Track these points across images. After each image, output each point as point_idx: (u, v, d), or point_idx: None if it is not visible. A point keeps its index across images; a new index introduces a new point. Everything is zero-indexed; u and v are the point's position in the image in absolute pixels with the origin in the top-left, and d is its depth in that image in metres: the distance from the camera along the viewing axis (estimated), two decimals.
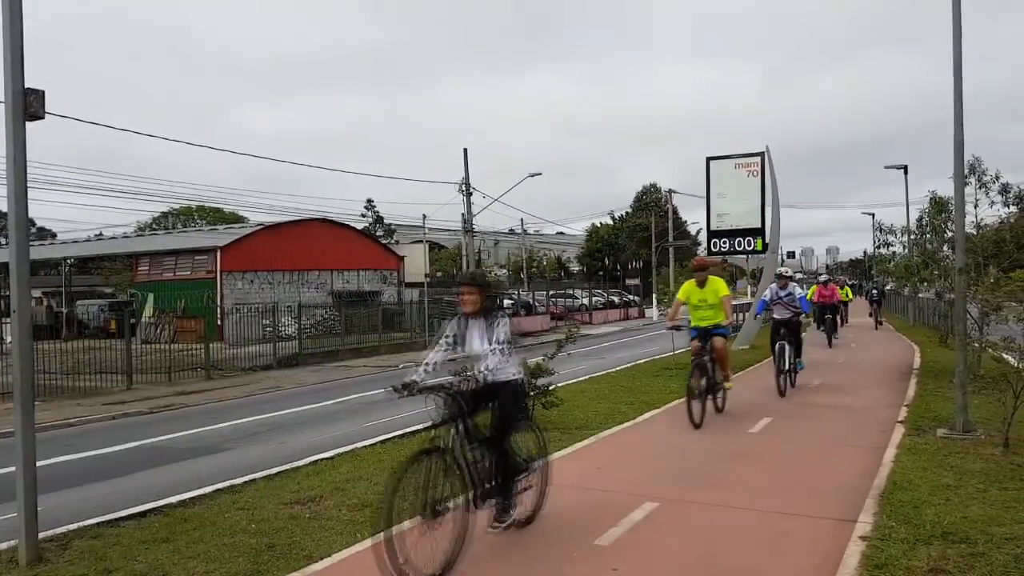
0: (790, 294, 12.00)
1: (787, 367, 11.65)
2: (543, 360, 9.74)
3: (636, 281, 58.15)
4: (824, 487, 6.44)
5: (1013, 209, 13.92)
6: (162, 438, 11.41)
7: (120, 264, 37.07)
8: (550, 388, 9.72)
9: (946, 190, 14.42)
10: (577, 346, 9.46)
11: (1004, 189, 13.26)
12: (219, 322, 27.02)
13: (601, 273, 66.51)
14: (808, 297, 25.00)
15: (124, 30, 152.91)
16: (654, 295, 46.04)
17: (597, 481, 6.83)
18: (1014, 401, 7.45)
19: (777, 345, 11.64)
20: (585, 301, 47.21)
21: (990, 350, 10.95)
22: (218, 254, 31.77)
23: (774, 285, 12.31)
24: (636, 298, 53.67)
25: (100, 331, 29.85)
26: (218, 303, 29.21)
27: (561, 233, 76.66)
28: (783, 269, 12.92)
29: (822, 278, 23.37)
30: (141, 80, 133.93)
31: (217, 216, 56.26)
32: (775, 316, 12.08)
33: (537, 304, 42.44)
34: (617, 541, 5.15)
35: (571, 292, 49.32)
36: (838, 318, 23.64)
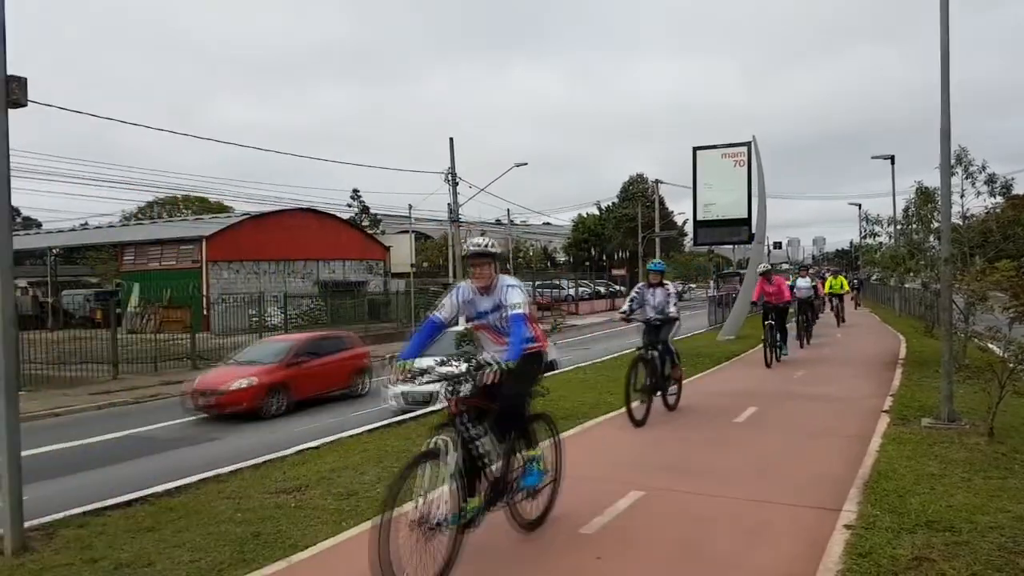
0: (497, 307, 4.85)
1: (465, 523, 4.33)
2: None
3: (622, 271, 58.38)
4: (809, 476, 6.47)
5: (999, 199, 13.99)
6: (148, 428, 11.34)
7: (105, 254, 36.78)
8: None
9: (932, 180, 14.47)
10: (563, 336, 9.47)
11: (990, 179, 13.29)
12: (205, 312, 26.86)
13: (587, 264, 66.64)
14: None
15: (109, 20, 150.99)
16: None
17: (583, 470, 6.83)
18: (999, 391, 7.51)
19: (429, 444, 4.35)
20: (571, 292, 47.27)
21: (975, 340, 11.05)
22: (203, 244, 31.57)
23: (464, 285, 5.02)
24: (622, 288, 53.73)
25: (86, 321, 29.66)
26: (204, 293, 29.03)
27: (548, 224, 76.60)
28: (476, 241, 4.92)
29: (761, 268, 15.68)
30: (125, 71, 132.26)
31: (202, 206, 55.83)
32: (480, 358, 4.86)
33: None
34: (602, 530, 5.16)
35: (557, 282, 49.37)
36: (803, 319, 18.34)
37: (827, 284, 25.72)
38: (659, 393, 9.29)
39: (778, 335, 14.48)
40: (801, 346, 17.13)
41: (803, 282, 18.94)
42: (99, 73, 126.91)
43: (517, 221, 64.20)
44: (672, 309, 9.36)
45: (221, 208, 52.28)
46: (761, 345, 15.39)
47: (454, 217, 31.30)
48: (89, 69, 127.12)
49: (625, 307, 9.78)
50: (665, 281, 9.66)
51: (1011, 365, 7.59)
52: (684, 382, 12.72)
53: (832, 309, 25.20)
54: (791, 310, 17.17)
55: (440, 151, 55.38)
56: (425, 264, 54.07)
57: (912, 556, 4.40)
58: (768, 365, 14.04)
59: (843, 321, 24.79)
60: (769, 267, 15.91)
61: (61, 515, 5.97)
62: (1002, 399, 7.55)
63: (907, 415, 8.87)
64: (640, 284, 9.90)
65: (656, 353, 9.07)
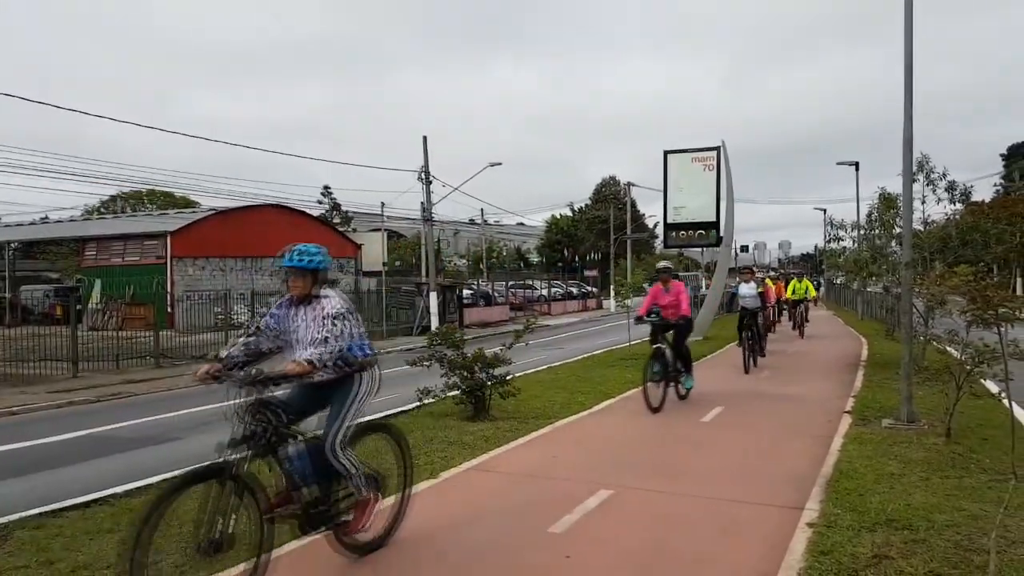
0: None
1: None
2: (501, 350, 9.75)
3: (594, 272, 58.85)
4: (773, 475, 6.57)
5: (959, 206, 14.35)
6: (109, 427, 11.11)
7: (67, 248, 36.03)
8: (507, 378, 9.74)
9: (895, 187, 14.78)
10: (535, 336, 9.35)
11: (950, 186, 13.64)
12: (169, 309, 26.43)
13: (560, 264, 66.96)
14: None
15: (77, 12, 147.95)
16: (612, 287, 46.46)
17: (552, 469, 6.87)
18: (956, 392, 7.69)
19: None
20: (544, 292, 47.40)
21: (934, 343, 11.31)
22: (168, 239, 31.06)
23: None
24: (594, 289, 54.16)
25: (45, 317, 28.96)
26: (168, 289, 28.56)
27: (521, 224, 76.75)
28: None
29: (660, 264, 11.07)
30: (94, 65, 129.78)
31: (168, 200, 54.90)
32: None
33: (496, 294, 42.45)
34: (571, 528, 5.18)
35: (530, 283, 49.45)
36: (748, 335, 14.14)
37: (790, 288, 22.71)
38: (322, 528, 4.47)
39: (679, 364, 10.31)
40: (746, 371, 13.66)
41: (747, 288, 14.85)
42: (66, 66, 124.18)
43: (491, 221, 64.24)
44: (314, 353, 4.11)
45: (187, 203, 51.42)
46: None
47: (427, 216, 31.17)
48: (56, 62, 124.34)
49: (231, 350, 4.32)
50: (326, 292, 4.43)
51: (968, 368, 7.78)
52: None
53: (793, 318, 22.20)
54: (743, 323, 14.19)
55: (414, 149, 55.25)
56: (398, 263, 53.81)
57: (872, 554, 4.49)
58: (655, 409, 9.48)
59: (802, 332, 21.54)
60: (669, 266, 10.95)
61: (16, 516, 5.84)
62: (959, 400, 7.74)
63: (868, 416, 9.05)
64: (282, 299, 4.56)
65: (292, 458, 4.22)
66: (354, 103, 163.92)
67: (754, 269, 16.53)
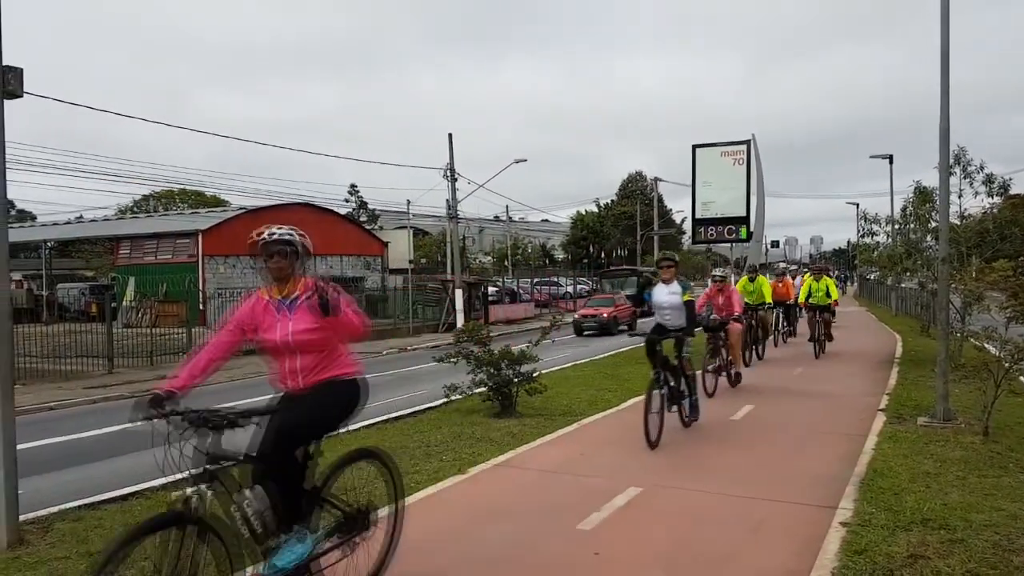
0: None
1: None
2: (527, 347, 9.75)
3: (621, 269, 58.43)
4: (805, 474, 6.49)
5: (997, 200, 14.03)
6: (144, 422, 11.31)
7: (101, 247, 36.70)
8: (534, 375, 9.74)
9: (931, 180, 14.51)
10: (561, 333, 9.33)
11: (988, 179, 13.35)
12: (201, 306, 26.80)
13: (586, 261, 66.68)
14: None
15: (96, 12, 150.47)
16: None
17: (580, 467, 6.85)
18: (994, 390, 7.55)
19: None
20: (570, 289, 47.30)
21: (971, 339, 11.08)
22: (200, 238, 31.49)
23: None
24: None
25: (81, 315, 29.55)
26: (200, 287, 28.98)
27: (546, 220, 76.68)
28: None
29: (267, 232, 4.01)
30: (113, 64, 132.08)
31: (198, 199, 55.70)
32: None
33: (521, 291, 42.48)
34: (599, 526, 5.17)
35: (556, 280, 49.37)
36: (662, 377, 7.66)
37: (804, 289, 16.10)
38: None
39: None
40: (651, 443, 7.38)
41: (662, 293, 8.29)
42: (68, 66, 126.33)
43: (516, 218, 64.25)
44: None
45: (217, 202, 52.12)
46: None
47: (452, 213, 31.25)
48: (61, 62, 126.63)
49: None
50: None
51: (1006, 365, 7.63)
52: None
53: (812, 329, 15.30)
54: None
55: (436, 146, 55.64)
56: (423, 260, 54.04)
57: (907, 554, 4.42)
58: None
59: (823, 351, 15.11)
60: (287, 235, 4.05)
61: (56, 508, 5.98)
62: (997, 398, 7.59)
63: (903, 414, 8.91)
64: None
65: None
66: (377, 101, 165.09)
67: (676, 259, 8.62)
